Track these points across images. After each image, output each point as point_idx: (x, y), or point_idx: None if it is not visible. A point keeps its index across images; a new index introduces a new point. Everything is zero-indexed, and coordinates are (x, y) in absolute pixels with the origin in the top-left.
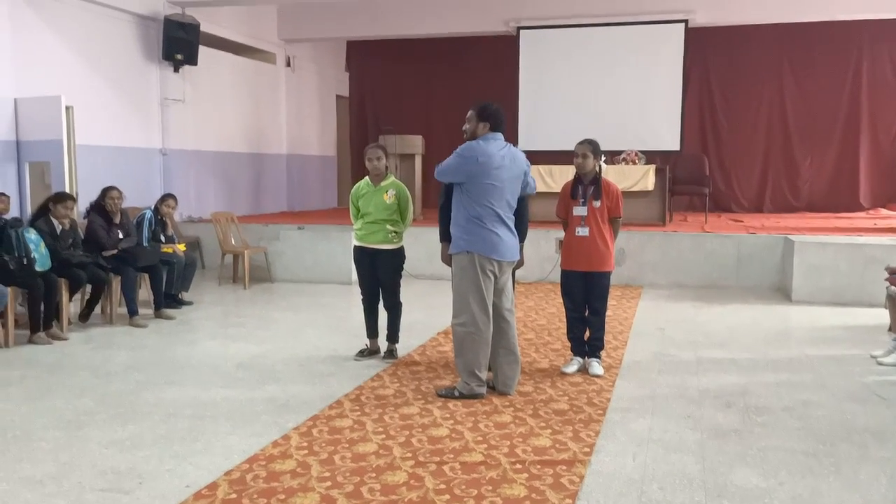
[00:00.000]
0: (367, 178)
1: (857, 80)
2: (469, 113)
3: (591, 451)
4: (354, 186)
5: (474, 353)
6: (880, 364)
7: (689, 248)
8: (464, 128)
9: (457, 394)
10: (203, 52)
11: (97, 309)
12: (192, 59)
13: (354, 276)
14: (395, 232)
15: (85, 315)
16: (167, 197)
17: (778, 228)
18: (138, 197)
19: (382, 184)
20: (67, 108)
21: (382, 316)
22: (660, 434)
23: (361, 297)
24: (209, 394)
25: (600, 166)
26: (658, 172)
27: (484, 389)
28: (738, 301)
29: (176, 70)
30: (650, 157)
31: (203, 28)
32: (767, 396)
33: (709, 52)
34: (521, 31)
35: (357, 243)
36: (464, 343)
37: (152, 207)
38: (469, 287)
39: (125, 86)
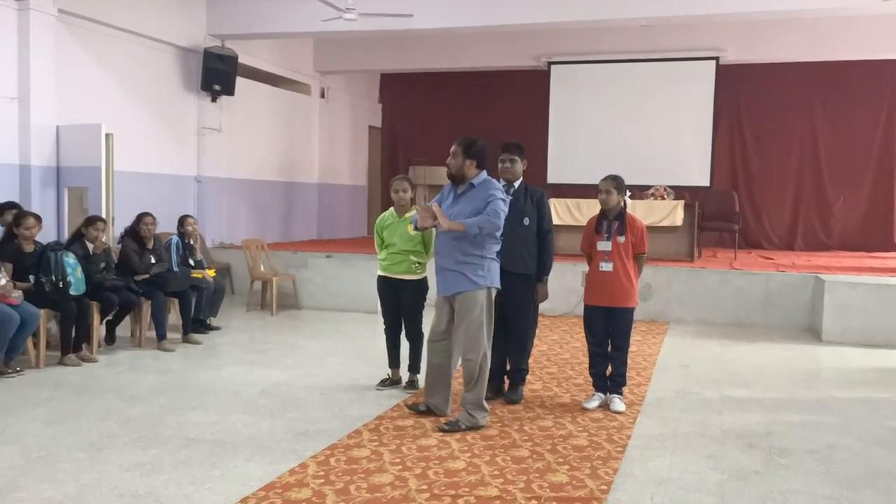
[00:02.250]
0: (391, 208)
1: (890, 118)
2: (454, 148)
3: (609, 490)
4: (379, 217)
5: (482, 386)
6: None
7: (717, 284)
8: (448, 161)
9: (463, 427)
10: (240, 82)
11: (126, 332)
12: (229, 90)
13: (379, 305)
14: (419, 263)
15: (109, 338)
16: (185, 217)
17: (809, 267)
18: (171, 223)
19: (407, 215)
20: (107, 135)
21: (404, 346)
22: (679, 473)
23: (384, 326)
24: (230, 419)
25: (625, 202)
26: (687, 208)
27: (487, 420)
28: (765, 340)
29: (213, 100)
30: (679, 192)
31: (241, 59)
32: (792, 438)
33: (740, 88)
34: (552, 66)
35: (381, 273)
36: (476, 377)
37: (177, 232)
38: (485, 322)
39: (164, 114)
